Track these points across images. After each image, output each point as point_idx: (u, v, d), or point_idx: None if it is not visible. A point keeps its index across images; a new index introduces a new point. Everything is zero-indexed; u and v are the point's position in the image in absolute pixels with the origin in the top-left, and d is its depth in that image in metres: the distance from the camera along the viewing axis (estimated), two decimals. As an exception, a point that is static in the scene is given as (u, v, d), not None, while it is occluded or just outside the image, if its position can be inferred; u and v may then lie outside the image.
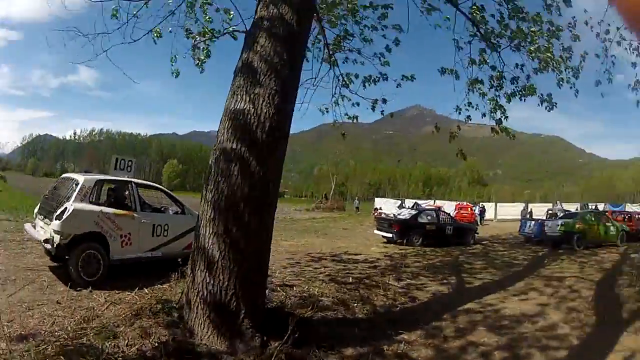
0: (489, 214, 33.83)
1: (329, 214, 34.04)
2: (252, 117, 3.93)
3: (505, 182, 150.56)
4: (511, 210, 34.68)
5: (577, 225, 13.60)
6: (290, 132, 4.45)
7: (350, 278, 7.13)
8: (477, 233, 15.95)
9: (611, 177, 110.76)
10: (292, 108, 4.43)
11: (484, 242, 15.58)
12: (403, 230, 13.56)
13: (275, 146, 4.11)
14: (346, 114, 8.05)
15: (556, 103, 6.92)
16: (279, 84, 4.04)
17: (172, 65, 6.54)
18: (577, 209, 30.09)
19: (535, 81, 6.82)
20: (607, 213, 19.43)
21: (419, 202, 31.69)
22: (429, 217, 14.49)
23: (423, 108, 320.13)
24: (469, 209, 27.81)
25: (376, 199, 41.21)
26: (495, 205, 35.71)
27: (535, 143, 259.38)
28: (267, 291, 4.73)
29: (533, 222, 15.98)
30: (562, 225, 13.58)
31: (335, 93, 7.75)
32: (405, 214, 15.35)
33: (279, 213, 10.18)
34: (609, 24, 6.61)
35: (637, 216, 18.59)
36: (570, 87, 7.03)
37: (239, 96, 4.02)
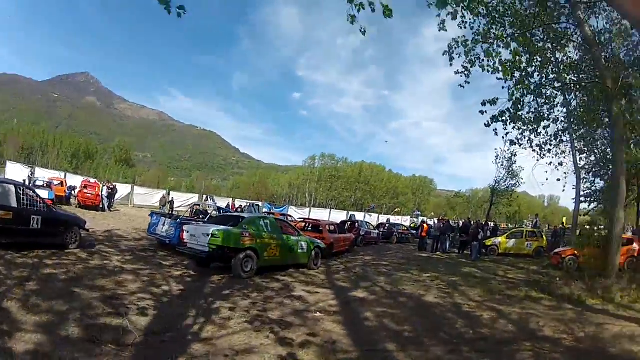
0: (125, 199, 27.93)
1: None
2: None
3: (153, 166, 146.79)
4: (152, 198, 30.32)
5: (243, 238, 8.31)
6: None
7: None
8: (87, 230, 10.22)
9: (266, 177, 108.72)
10: None
11: (94, 245, 10.18)
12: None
13: None
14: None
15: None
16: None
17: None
18: (243, 209, 26.09)
19: None
20: (274, 216, 16.07)
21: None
22: (3, 195, 7.94)
23: (91, 77, 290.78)
24: (97, 189, 21.60)
25: (8, 164, 27.64)
26: (132, 189, 29.93)
27: (190, 134, 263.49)
28: None
29: (169, 220, 11.58)
30: (214, 236, 7.95)
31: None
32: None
33: None
34: None
35: (328, 227, 14.22)
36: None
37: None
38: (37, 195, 8.61)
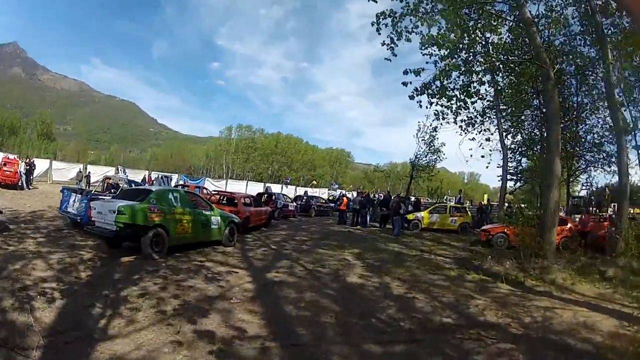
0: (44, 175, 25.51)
1: None
2: None
3: (73, 139, 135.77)
4: (70, 173, 28.09)
5: (151, 214, 7.62)
6: None
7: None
8: (1, 212, 9.38)
9: (183, 149, 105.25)
10: None
11: (9, 228, 9.10)
12: None
13: None
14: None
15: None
16: None
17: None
18: (147, 181, 24.77)
19: None
20: (190, 188, 15.54)
21: None
22: None
23: (18, 46, 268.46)
24: (16, 165, 19.70)
25: None
26: (51, 164, 27.61)
27: (110, 105, 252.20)
28: None
29: (80, 195, 10.67)
30: (121, 213, 7.24)
31: None
32: None
33: None
34: None
35: (243, 200, 13.48)
36: None
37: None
38: None
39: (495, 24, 12.49)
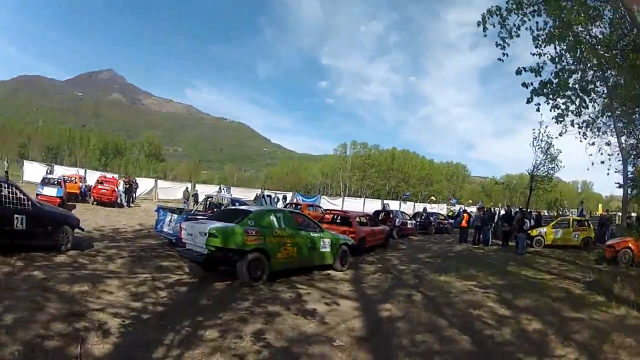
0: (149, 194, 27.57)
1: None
2: None
3: (184, 160, 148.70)
4: (177, 192, 29.47)
5: (248, 237, 6.82)
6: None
7: None
8: (82, 229, 9.15)
9: (298, 167, 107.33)
10: None
11: (93, 245, 9.12)
12: None
13: None
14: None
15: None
16: None
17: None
18: (254, 200, 25.04)
19: None
20: (301, 207, 15.09)
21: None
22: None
23: (115, 73, 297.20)
24: (114, 184, 20.91)
25: (25, 163, 28.72)
26: (156, 183, 29.55)
27: (220, 126, 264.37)
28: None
29: (176, 215, 10.25)
30: (212, 235, 6.54)
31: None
32: None
33: None
34: None
35: (359, 219, 12.47)
36: None
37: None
38: (22, 193, 7.59)
39: (594, 14, 11.05)
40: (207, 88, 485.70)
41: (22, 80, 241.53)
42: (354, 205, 35.27)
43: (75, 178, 21.19)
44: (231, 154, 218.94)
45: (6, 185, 7.39)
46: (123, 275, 6.73)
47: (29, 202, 7.61)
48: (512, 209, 19.78)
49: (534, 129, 20.49)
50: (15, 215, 7.21)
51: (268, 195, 29.27)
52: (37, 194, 15.35)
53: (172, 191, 29.92)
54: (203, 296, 6.06)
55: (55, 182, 17.11)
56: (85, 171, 27.26)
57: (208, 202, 14.30)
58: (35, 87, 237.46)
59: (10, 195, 7.30)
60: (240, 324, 4.87)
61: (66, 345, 3.77)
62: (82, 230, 9.14)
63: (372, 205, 34.05)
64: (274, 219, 7.77)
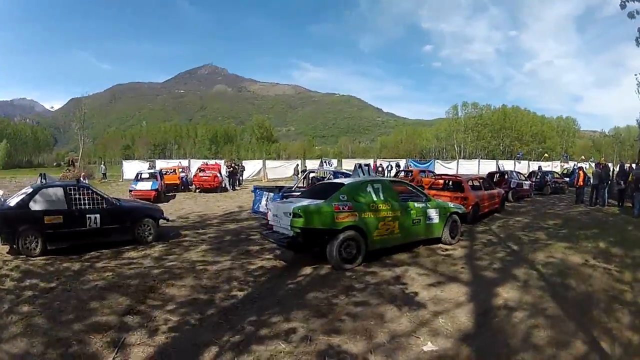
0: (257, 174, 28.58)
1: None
2: None
3: (297, 139, 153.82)
4: (287, 170, 29.66)
5: (339, 215, 5.87)
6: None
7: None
8: (167, 219, 9.19)
9: (412, 134, 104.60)
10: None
11: (180, 235, 8.86)
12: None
13: None
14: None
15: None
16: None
17: None
18: (352, 171, 23.73)
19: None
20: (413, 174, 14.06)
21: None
22: (51, 200, 7.11)
23: (215, 67, 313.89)
24: (216, 170, 21.18)
25: (124, 163, 30.42)
26: (264, 163, 30.37)
27: (330, 102, 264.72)
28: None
29: (272, 194, 9.68)
30: (296, 215, 5.71)
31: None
32: (15, 198, 7.32)
33: None
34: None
35: (472, 182, 11.52)
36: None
37: None
38: (95, 193, 7.71)
39: None
40: (313, 67, 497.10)
41: (117, 90, 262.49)
42: (469, 167, 34.12)
43: (176, 169, 21.59)
44: (345, 127, 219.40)
45: (77, 188, 7.55)
46: (201, 264, 6.27)
47: (103, 200, 7.71)
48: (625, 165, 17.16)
49: (635, 75, 18.71)
50: (88, 215, 7.39)
51: (366, 165, 27.85)
52: (130, 190, 16.07)
53: (282, 170, 30.15)
54: (285, 284, 5.28)
55: (149, 176, 17.28)
56: (189, 161, 28.01)
57: (310, 177, 13.66)
58: (132, 92, 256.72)
59: (82, 197, 7.47)
60: (314, 321, 3.98)
61: (102, 348, 3.37)
62: (167, 220, 9.17)
63: (487, 167, 32.00)
64: (371, 190, 6.63)
